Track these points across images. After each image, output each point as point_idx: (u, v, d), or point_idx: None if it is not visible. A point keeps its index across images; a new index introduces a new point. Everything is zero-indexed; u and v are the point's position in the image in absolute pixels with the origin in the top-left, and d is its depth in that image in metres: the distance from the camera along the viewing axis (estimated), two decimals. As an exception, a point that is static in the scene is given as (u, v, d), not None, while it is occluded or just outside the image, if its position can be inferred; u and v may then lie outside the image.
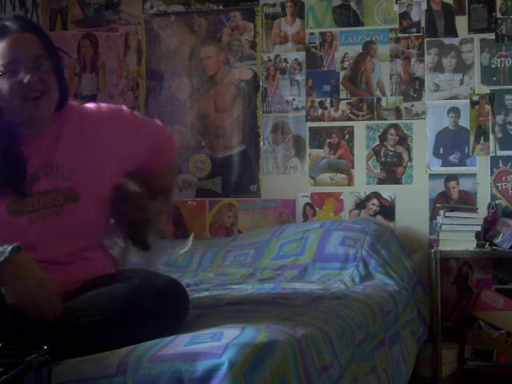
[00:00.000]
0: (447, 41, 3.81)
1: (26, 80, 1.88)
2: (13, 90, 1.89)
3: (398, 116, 3.85)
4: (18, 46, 1.90)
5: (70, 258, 1.94)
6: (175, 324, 1.85)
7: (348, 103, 3.91)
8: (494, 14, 3.74)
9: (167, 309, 1.81)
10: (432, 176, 3.81)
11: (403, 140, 3.85)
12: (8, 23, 1.93)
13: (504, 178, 3.74)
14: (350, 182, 3.91)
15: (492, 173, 3.75)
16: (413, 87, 3.84)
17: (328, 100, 3.93)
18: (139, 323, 1.76)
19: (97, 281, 1.92)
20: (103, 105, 2.14)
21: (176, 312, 1.85)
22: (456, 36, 3.80)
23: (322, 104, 3.93)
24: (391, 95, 3.86)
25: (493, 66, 3.76)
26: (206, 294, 2.68)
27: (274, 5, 3.99)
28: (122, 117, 2.12)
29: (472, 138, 3.78)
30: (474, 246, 3.48)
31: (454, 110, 3.80)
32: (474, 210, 3.64)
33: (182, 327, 1.88)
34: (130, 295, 1.78)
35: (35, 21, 4.12)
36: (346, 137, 3.91)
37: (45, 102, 1.92)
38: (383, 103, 3.87)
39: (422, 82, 3.83)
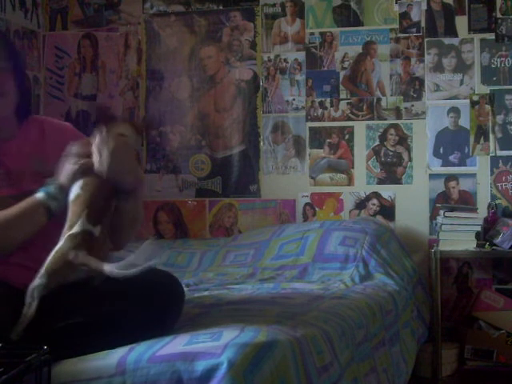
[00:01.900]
0: (447, 41, 3.81)
1: None
2: None
3: (398, 116, 3.85)
4: None
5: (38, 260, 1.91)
6: (171, 316, 1.85)
7: (348, 103, 3.91)
8: (494, 13, 3.74)
9: (163, 302, 1.81)
10: (432, 176, 3.81)
11: (403, 140, 3.85)
12: None
13: (504, 178, 3.74)
14: (350, 182, 3.91)
15: (492, 173, 3.75)
16: (413, 87, 3.84)
17: (328, 100, 3.93)
18: (135, 318, 1.76)
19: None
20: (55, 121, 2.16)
21: (171, 305, 1.85)
22: (456, 36, 3.80)
23: (321, 104, 3.93)
24: (391, 95, 3.86)
25: (493, 66, 3.76)
26: (206, 293, 2.69)
27: (274, 5, 3.99)
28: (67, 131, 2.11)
29: (472, 138, 3.78)
30: (474, 245, 3.48)
31: (454, 110, 3.80)
32: (474, 209, 3.64)
33: (180, 321, 1.89)
34: (125, 291, 1.78)
35: (35, 21, 4.14)
36: (346, 137, 3.91)
37: (3, 104, 1.92)
38: (383, 103, 3.87)
39: (422, 82, 3.83)
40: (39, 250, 1.86)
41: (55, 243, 1.92)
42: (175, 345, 1.66)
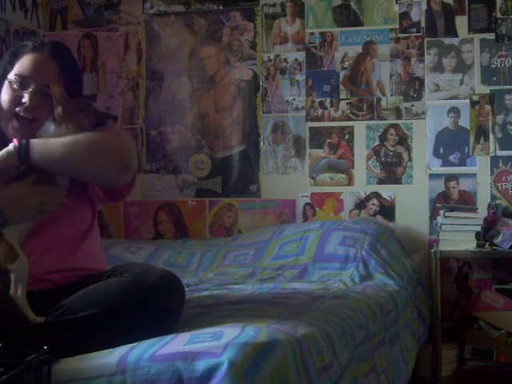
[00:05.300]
0: (447, 41, 3.81)
1: (24, 100, 1.94)
2: (12, 102, 1.96)
3: (398, 116, 3.85)
4: (39, 67, 1.97)
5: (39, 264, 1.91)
6: (172, 316, 1.85)
7: (348, 103, 3.91)
8: (494, 13, 3.74)
9: (164, 300, 1.81)
10: (432, 176, 3.81)
11: (403, 140, 3.85)
12: (46, 44, 2.01)
13: (504, 178, 3.74)
14: (350, 182, 3.91)
15: (492, 173, 3.75)
16: (413, 87, 3.84)
17: (328, 100, 3.93)
18: (136, 315, 1.76)
19: (91, 278, 1.92)
20: None
21: (172, 303, 1.85)
22: (456, 36, 3.80)
23: (321, 104, 3.93)
24: (391, 95, 3.86)
25: (493, 66, 3.76)
26: (206, 293, 2.68)
27: (274, 5, 3.99)
28: None
29: (472, 138, 3.78)
30: (474, 245, 3.48)
31: (454, 110, 3.80)
32: (474, 210, 3.64)
33: (181, 321, 1.89)
34: (127, 288, 1.78)
35: (35, 21, 4.13)
36: (346, 137, 3.91)
37: (32, 127, 1.94)
38: (383, 103, 3.87)
39: (421, 82, 3.83)
40: (40, 255, 1.88)
41: (56, 249, 1.93)
42: (176, 344, 1.66)
